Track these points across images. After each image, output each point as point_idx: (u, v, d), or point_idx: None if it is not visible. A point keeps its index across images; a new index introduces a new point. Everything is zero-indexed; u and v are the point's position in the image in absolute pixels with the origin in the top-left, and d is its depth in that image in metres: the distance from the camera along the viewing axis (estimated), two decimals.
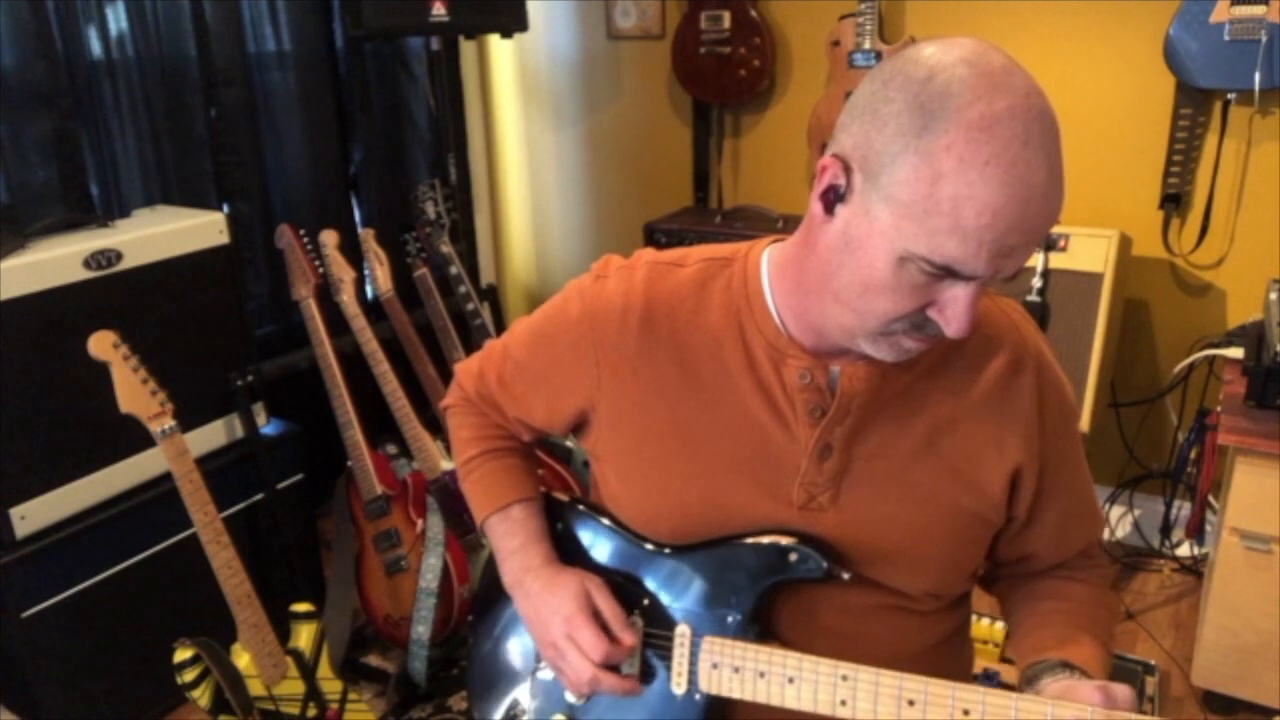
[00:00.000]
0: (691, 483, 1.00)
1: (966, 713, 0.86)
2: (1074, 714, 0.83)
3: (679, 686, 1.00)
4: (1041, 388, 0.99)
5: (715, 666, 0.98)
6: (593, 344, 1.03)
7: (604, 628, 1.01)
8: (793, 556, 0.96)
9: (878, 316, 0.86)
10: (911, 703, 0.88)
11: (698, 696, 0.99)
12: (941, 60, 0.79)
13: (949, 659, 1.09)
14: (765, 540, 0.98)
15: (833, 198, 0.85)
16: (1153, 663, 2.14)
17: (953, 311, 0.83)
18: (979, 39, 0.81)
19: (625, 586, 1.06)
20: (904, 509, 0.97)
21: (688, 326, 1.01)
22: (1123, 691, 0.86)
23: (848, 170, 0.84)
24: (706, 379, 1.00)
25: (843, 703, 0.91)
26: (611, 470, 1.07)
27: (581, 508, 1.13)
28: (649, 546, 1.05)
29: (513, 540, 1.11)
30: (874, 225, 0.82)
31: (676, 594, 1.02)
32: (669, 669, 1.01)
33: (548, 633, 1.03)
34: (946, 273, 0.81)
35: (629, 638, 1.01)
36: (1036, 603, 1.07)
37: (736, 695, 0.97)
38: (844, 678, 0.91)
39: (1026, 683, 0.96)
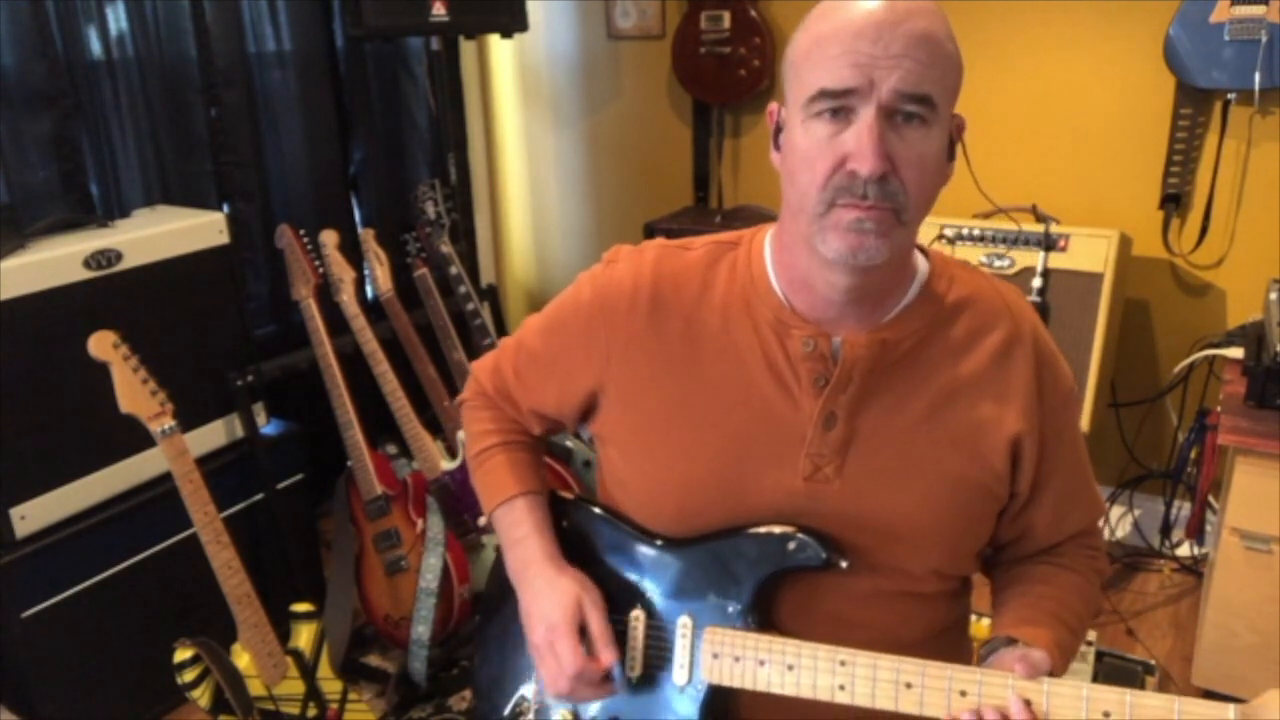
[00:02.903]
0: (698, 457, 1.02)
1: (964, 694, 0.88)
2: (1069, 690, 0.84)
3: (681, 677, 1.02)
4: (1038, 364, 1.02)
5: (716, 656, 0.99)
6: (604, 324, 1.06)
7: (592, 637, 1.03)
8: (791, 545, 0.97)
9: (811, 192, 0.90)
10: (909, 685, 0.90)
11: (699, 686, 1.01)
12: None
13: (949, 648, 1.09)
14: (763, 530, 0.99)
15: (777, 134, 0.97)
16: (1153, 663, 2.13)
17: (856, 144, 0.87)
18: None
19: (629, 581, 1.07)
20: (909, 479, 0.98)
21: (695, 305, 1.04)
22: (1039, 656, 0.89)
23: (781, 105, 0.97)
24: (714, 356, 1.02)
25: (841, 687, 0.93)
26: (618, 452, 1.09)
27: (586, 504, 1.14)
28: (652, 541, 1.06)
29: (516, 531, 1.13)
30: (790, 117, 0.94)
31: (679, 587, 1.04)
32: (671, 660, 1.02)
33: (533, 634, 1.06)
34: (824, 99, 0.88)
35: (607, 657, 1.03)
36: (1017, 585, 1.08)
37: (737, 684, 0.98)
38: (842, 663, 0.93)
39: (979, 661, 0.98)
